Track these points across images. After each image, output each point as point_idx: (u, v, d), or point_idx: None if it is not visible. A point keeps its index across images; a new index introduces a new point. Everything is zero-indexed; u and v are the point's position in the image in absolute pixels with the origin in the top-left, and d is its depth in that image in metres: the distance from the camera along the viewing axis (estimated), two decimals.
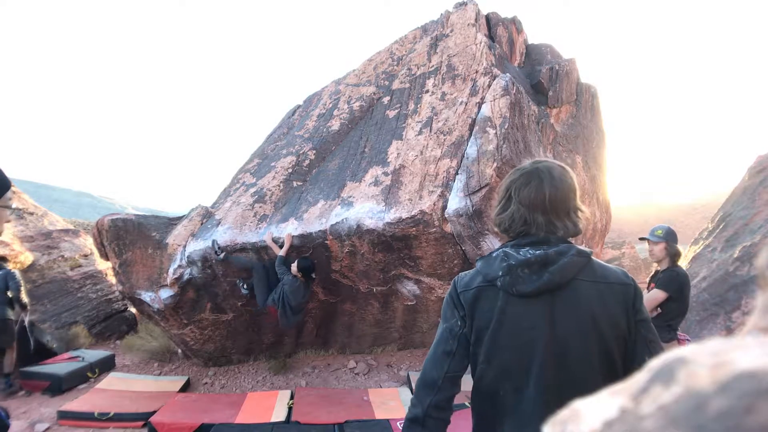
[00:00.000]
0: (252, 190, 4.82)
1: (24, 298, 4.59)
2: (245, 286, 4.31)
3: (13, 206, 1.05)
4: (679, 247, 2.92)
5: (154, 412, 3.63)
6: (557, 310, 0.96)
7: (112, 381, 4.49)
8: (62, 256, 6.71)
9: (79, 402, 3.91)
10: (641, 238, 3.13)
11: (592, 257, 1.02)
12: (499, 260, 1.02)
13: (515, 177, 1.07)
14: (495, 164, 3.73)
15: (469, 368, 1.09)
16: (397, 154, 4.37)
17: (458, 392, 1.07)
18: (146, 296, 4.34)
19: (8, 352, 4.54)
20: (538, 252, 0.98)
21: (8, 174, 0.93)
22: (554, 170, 1.03)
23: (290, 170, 4.90)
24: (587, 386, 0.85)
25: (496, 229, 1.12)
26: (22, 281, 4.63)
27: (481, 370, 1.03)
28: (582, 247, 1.00)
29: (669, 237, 2.88)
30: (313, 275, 4.07)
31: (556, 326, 0.95)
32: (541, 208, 1.01)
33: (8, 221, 0.98)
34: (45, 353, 5.24)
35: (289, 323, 4.09)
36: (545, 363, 0.95)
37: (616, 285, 0.98)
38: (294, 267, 3.91)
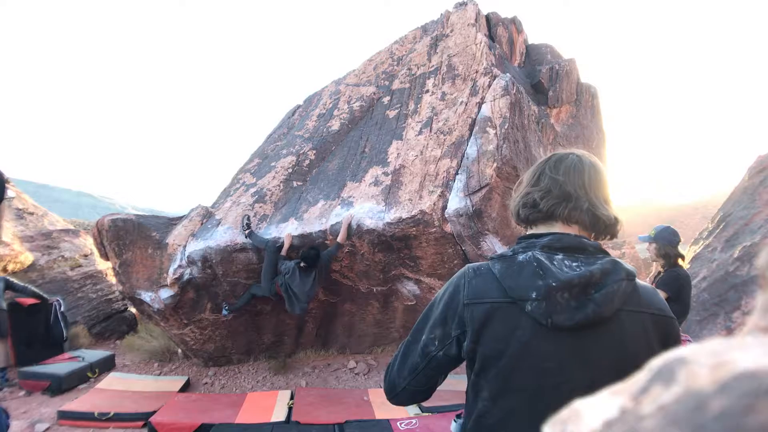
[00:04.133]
0: (252, 190, 4.82)
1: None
2: (227, 308, 4.38)
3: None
4: (680, 248, 2.90)
5: (154, 412, 3.63)
6: (595, 351, 0.76)
7: (112, 381, 4.49)
8: (62, 256, 6.71)
9: (79, 402, 3.91)
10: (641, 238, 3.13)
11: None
12: (531, 273, 0.80)
13: (546, 159, 0.92)
14: (495, 164, 3.73)
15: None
16: (397, 154, 4.37)
17: (424, 399, 0.97)
18: (146, 296, 4.34)
19: (1, 346, 4.65)
20: (576, 266, 0.79)
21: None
22: (589, 156, 0.90)
23: (290, 170, 4.90)
24: None
25: (515, 221, 0.94)
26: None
27: (484, 407, 0.83)
28: (628, 265, 0.81)
29: (658, 238, 2.87)
30: (303, 265, 3.94)
31: (591, 372, 0.76)
32: (580, 182, 0.85)
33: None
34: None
35: (294, 309, 4.00)
36: None
37: (659, 316, 0.81)
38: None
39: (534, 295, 0.77)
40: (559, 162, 0.89)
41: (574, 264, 0.80)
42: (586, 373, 0.76)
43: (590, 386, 0.75)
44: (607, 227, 0.87)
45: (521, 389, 0.79)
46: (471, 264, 0.92)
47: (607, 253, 0.84)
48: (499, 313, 0.81)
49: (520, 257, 0.83)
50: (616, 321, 0.77)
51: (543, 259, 0.81)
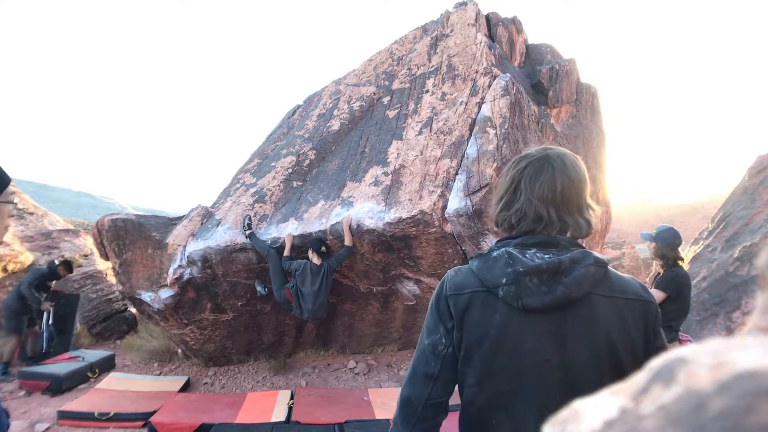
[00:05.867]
0: (252, 190, 4.82)
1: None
2: (265, 289, 4.29)
3: (15, 201, 1.04)
4: (680, 249, 2.89)
5: (154, 412, 3.63)
6: (568, 331, 0.81)
7: (112, 381, 4.49)
8: (62, 256, 6.71)
9: (79, 402, 3.91)
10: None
11: (609, 266, 0.87)
12: (503, 263, 0.85)
13: (522, 166, 0.91)
14: (495, 164, 3.73)
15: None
16: (397, 154, 4.37)
17: (445, 418, 0.94)
18: (146, 296, 4.34)
19: (11, 342, 4.72)
20: (548, 257, 0.84)
21: (9, 174, 0.93)
22: (566, 158, 0.89)
23: (290, 170, 4.90)
24: None
25: (496, 228, 1.02)
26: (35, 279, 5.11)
27: (471, 393, 0.87)
28: (599, 254, 0.86)
29: (658, 238, 2.86)
30: (324, 249, 3.97)
31: (566, 350, 0.80)
32: (552, 202, 0.87)
33: (11, 215, 0.97)
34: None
35: (301, 313, 3.97)
36: (550, 393, 0.80)
37: (635, 301, 0.84)
38: (310, 252, 3.99)
39: (504, 281, 0.84)
40: (535, 178, 0.89)
41: (546, 256, 0.84)
42: (562, 352, 0.81)
43: (567, 366, 0.80)
44: (577, 233, 0.90)
45: (503, 371, 0.83)
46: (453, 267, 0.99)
47: (580, 246, 0.88)
48: (477, 301, 0.87)
49: (495, 253, 0.90)
50: (587, 303, 0.82)
51: (515, 252, 0.86)
